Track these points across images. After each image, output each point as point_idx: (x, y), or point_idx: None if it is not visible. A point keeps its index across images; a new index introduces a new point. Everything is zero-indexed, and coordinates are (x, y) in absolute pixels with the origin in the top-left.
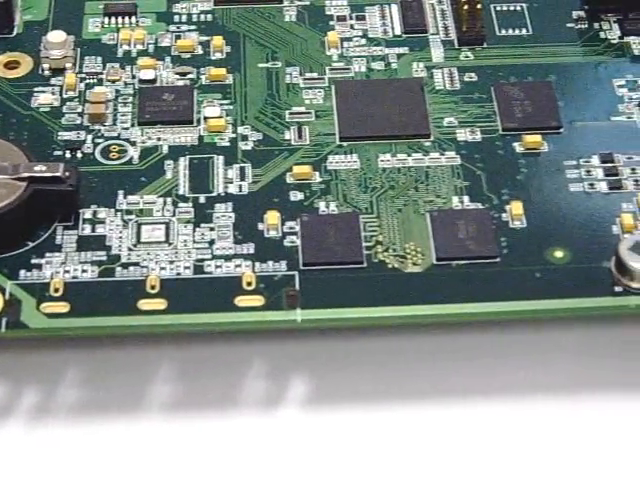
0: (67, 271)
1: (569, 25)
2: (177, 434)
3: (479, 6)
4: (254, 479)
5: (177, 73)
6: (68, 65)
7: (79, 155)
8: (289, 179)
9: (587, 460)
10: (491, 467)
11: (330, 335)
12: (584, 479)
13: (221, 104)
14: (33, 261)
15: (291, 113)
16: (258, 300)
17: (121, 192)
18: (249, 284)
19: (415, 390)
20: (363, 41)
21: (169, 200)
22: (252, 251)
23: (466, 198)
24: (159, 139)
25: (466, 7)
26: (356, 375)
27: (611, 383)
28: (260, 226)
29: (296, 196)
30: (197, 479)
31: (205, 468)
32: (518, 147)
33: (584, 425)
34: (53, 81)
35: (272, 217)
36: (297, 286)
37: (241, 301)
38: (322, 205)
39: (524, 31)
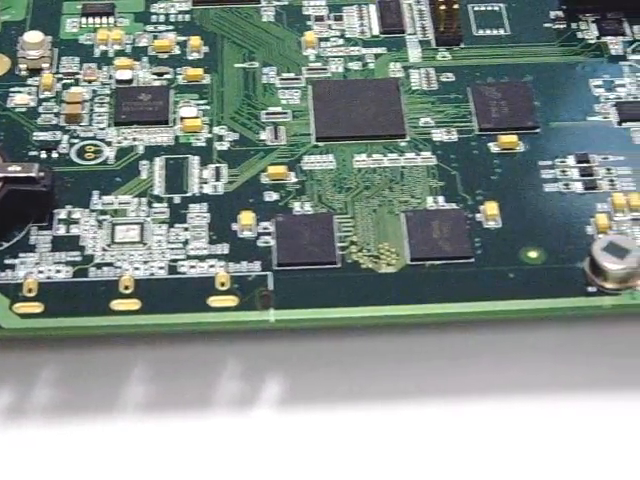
0: (41, 271)
1: (547, 25)
2: (152, 435)
3: (456, 6)
4: (229, 479)
5: (154, 73)
6: (45, 65)
7: (55, 155)
8: (264, 179)
9: (563, 458)
10: (466, 467)
11: (304, 335)
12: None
13: (198, 104)
14: (7, 261)
15: (267, 113)
16: (232, 300)
17: (96, 192)
18: (223, 284)
19: (389, 390)
20: (340, 41)
21: (144, 200)
22: (226, 251)
23: (441, 198)
24: (135, 139)
25: (443, 7)
26: (330, 375)
27: (586, 383)
28: (234, 226)
29: (271, 196)
30: (172, 479)
31: (180, 468)
32: (494, 147)
33: (559, 424)
34: (30, 81)
35: (246, 217)
36: (271, 286)
37: (214, 301)
38: (297, 205)
39: (502, 31)
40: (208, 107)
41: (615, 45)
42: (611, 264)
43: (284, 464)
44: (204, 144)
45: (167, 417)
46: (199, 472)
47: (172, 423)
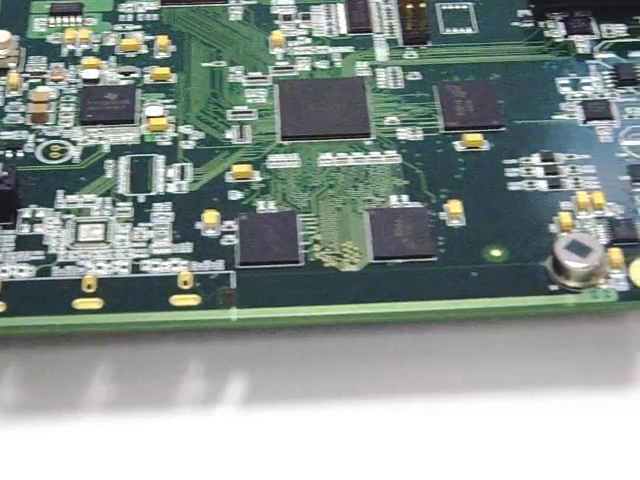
0: (4, 270)
1: (514, 24)
2: (114, 434)
3: (422, 5)
4: (192, 478)
5: (121, 72)
6: (12, 65)
7: (20, 155)
8: (229, 178)
9: (526, 455)
10: (427, 467)
11: (268, 334)
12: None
13: (164, 103)
14: None
15: (233, 112)
16: (194, 299)
17: (61, 192)
18: (185, 283)
19: (352, 389)
20: (308, 40)
21: (108, 199)
22: (189, 250)
23: (405, 197)
24: (100, 138)
25: (410, 6)
26: (293, 374)
27: (549, 381)
28: (198, 225)
29: (235, 195)
30: (135, 479)
31: (143, 468)
32: (459, 146)
33: (521, 422)
34: None
35: (210, 216)
36: (233, 285)
37: (177, 300)
38: (261, 204)
39: (469, 30)
40: (174, 106)
41: (582, 44)
42: (573, 263)
43: (248, 463)
44: (169, 143)
45: (130, 416)
46: (162, 471)
47: (135, 422)
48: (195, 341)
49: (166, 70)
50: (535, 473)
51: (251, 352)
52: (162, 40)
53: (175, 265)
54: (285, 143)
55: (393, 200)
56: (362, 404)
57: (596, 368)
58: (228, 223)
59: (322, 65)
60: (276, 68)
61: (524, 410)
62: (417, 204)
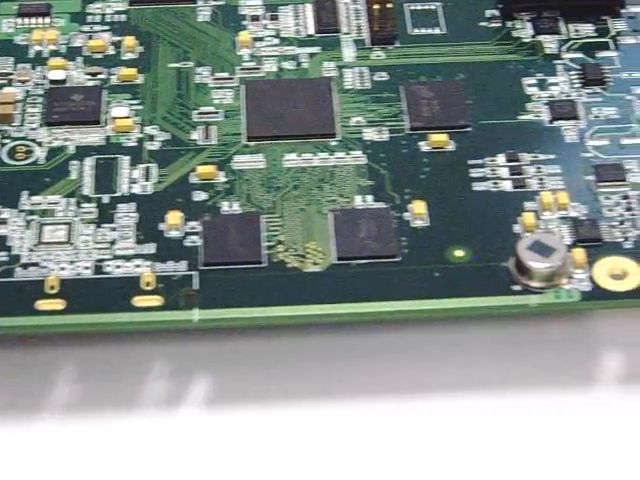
0: None
1: (482, 24)
2: (78, 435)
3: (390, 5)
4: (155, 479)
5: (87, 73)
6: None
7: None
8: (193, 179)
9: (485, 456)
10: (398, 466)
11: (232, 335)
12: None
13: (130, 104)
14: None
15: (199, 113)
16: (156, 300)
17: (25, 193)
18: (148, 284)
19: (316, 389)
20: (275, 41)
21: (72, 200)
22: (153, 251)
23: (370, 197)
24: (66, 139)
25: (377, 6)
26: (257, 375)
27: (513, 380)
28: (162, 226)
29: (200, 196)
30: None
31: (107, 469)
32: (424, 146)
33: (486, 421)
34: None
35: (174, 217)
36: (196, 286)
37: (139, 301)
38: (225, 205)
39: (437, 30)
40: (140, 107)
41: (550, 44)
42: (535, 263)
43: (211, 464)
44: (135, 144)
45: (94, 418)
46: (126, 472)
47: (99, 423)
48: (159, 342)
49: (133, 71)
50: (502, 471)
51: (215, 353)
52: (129, 41)
53: (138, 266)
54: (251, 144)
55: (357, 200)
56: (326, 404)
57: (560, 367)
58: (192, 224)
59: (289, 66)
60: (243, 69)
61: (489, 409)
62: (381, 204)
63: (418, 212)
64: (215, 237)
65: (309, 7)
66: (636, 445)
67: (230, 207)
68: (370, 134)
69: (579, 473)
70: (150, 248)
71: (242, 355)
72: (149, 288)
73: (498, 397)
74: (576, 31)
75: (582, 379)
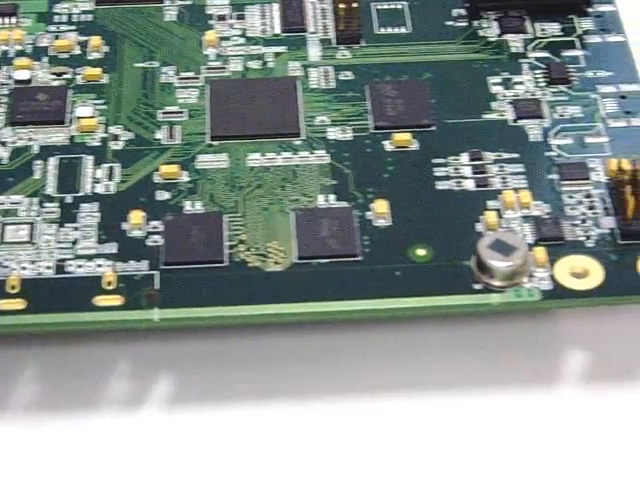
0: None
1: (448, 23)
2: (39, 435)
3: (355, 5)
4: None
5: (53, 73)
6: None
7: None
8: (156, 178)
9: (446, 456)
10: (356, 466)
11: (194, 334)
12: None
13: (95, 104)
14: None
15: (164, 113)
16: (117, 300)
17: None
18: (109, 284)
19: (279, 389)
20: (241, 40)
21: (35, 200)
22: (114, 251)
23: (332, 197)
24: (30, 139)
25: (343, 6)
26: (219, 374)
27: (477, 379)
28: (124, 226)
29: (162, 195)
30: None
31: (68, 469)
32: (388, 145)
33: (449, 421)
34: None
35: (136, 217)
36: (157, 285)
37: (100, 301)
38: (188, 204)
39: (403, 29)
40: (105, 107)
41: (516, 43)
42: (496, 261)
43: (173, 464)
44: (99, 144)
45: (55, 417)
46: (88, 472)
47: (60, 423)
48: (120, 342)
49: (98, 71)
50: (464, 472)
51: (176, 352)
52: (95, 41)
53: (100, 266)
54: (214, 143)
55: (320, 200)
56: (288, 404)
57: (522, 366)
58: (154, 223)
59: (254, 65)
60: (208, 68)
61: (451, 409)
62: (344, 204)
63: (380, 211)
64: (177, 237)
65: (276, 6)
66: (598, 443)
67: (192, 206)
68: (334, 133)
69: (542, 472)
70: (112, 248)
71: (203, 354)
72: (110, 288)
73: (460, 396)
74: (542, 30)
75: (544, 378)
